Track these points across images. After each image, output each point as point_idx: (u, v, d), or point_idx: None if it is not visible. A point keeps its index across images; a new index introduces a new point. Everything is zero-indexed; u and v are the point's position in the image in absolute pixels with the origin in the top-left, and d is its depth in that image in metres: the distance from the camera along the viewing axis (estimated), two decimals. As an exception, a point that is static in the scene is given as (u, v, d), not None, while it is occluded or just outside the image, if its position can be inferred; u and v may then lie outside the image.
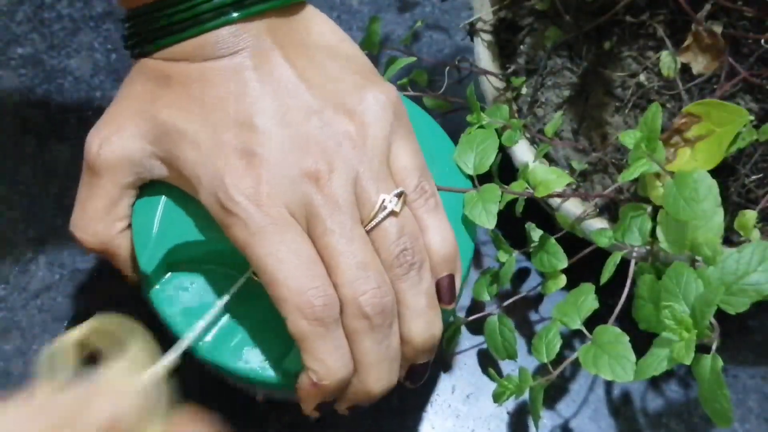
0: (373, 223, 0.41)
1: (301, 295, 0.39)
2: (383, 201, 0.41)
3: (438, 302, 0.43)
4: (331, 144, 0.41)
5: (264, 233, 0.39)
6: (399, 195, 0.41)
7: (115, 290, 0.53)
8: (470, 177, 0.47)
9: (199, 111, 0.41)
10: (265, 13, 0.42)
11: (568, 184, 0.47)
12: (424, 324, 0.42)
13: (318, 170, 0.40)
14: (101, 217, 0.43)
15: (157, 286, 0.43)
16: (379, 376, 0.41)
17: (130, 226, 0.44)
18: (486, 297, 0.49)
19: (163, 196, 0.43)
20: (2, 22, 0.61)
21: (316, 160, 0.40)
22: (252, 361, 0.42)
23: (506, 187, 0.47)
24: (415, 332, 0.42)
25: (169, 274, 0.44)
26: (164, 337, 0.43)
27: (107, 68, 0.60)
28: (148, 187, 0.43)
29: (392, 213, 0.41)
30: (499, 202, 0.46)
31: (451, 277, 0.43)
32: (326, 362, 0.39)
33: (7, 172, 0.56)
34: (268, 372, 0.42)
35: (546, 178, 0.46)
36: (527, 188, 0.47)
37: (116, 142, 0.42)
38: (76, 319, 0.52)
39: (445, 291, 0.43)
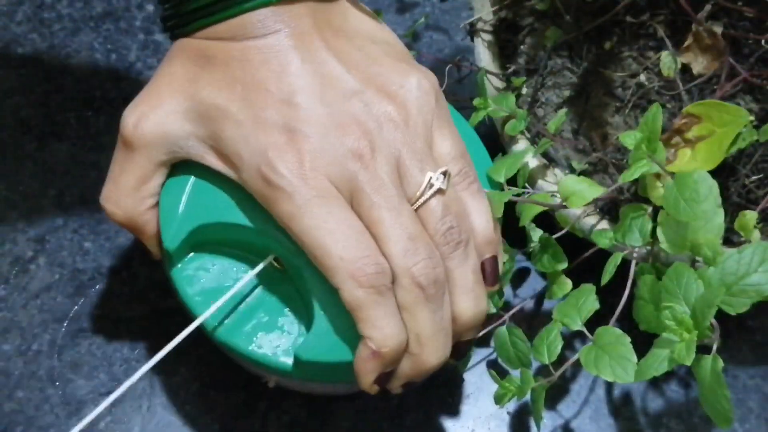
0: (421, 201, 0.41)
1: (354, 263, 0.39)
2: (429, 179, 0.41)
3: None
4: (372, 124, 0.41)
5: (310, 205, 0.39)
6: (444, 173, 0.42)
7: (115, 290, 0.53)
8: (500, 183, 0.48)
9: (241, 89, 0.41)
10: None
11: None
12: (472, 300, 0.42)
13: (360, 149, 0.40)
14: (131, 193, 0.43)
15: (179, 265, 0.43)
16: (435, 348, 0.41)
17: (159, 203, 0.44)
18: (492, 309, 0.49)
19: (193, 177, 0.44)
20: (2, 22, 0.61)
21: (358, 138, 0.40)
22: (265, 346, 0.43)
23: (512, 189, 0.47)
24: (463, 308, 0.42)
25: (192, 254, 0.44)
26: (177, 326, 0.44)
27: (107, 68, 0.60)
28: (178, 167, 0.44)
29: (439, 191, 0.41)
30: (522, 214, 0.46)
31: (495, 259, 0.44)
32: (384, 329, 0.39)
33: (7, 172, 0.56)
34: (280, 358, 0.42)
35: (577, 189, 0.46)
36: (555, 196, 0.47)
37: (153, 118, 0.42)
38: (76, 319, 0.52)
39: (489, 272, 0.43)
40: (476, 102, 0.51)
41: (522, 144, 0.51)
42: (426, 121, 0.43)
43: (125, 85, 0.60)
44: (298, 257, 0.41)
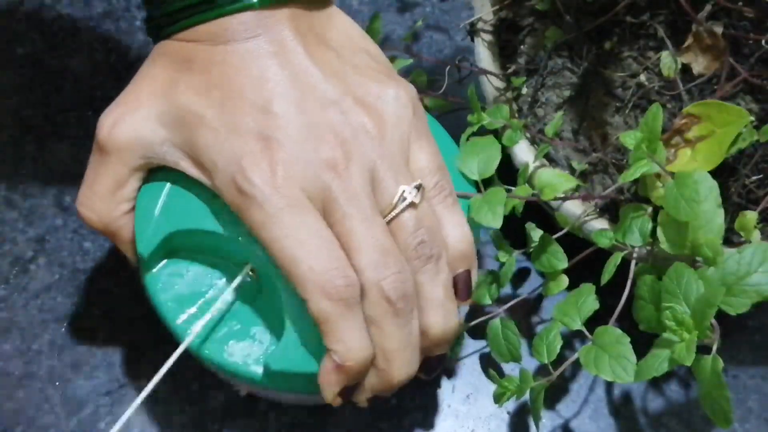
0: (393, 214, 0.41)
1: (323, 275, 0.39)
2: (402, 192, 0.41)
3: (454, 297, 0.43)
4: (348, 134, 0.41)
5: (281, 215, 0.39)
6: (418, 187, 0.41)
7: (115, 290, 0.53)
8: (475, 182, 0.47)
9: (219, 95, 0.41)
10: (287, 3, 0.42)
11: (576, 187, 0.47)
12: (441, 315, 0.42)
13: (334, 159, 0.40)
14: (107, 198, 0.43)
15: (153, 271, 0.43)
16: (402, 363, 0.41)
17: (134, 208, 0.44)
18: (487, 301, 0.49)
19: (169, 183, 0.43)
20: (2, 22, 0.61)
21: (333, 148, 0.40)
22: (235, 355, 0.43)
23: (511, 188, 0.47)
24: (432, 323, 0.42)
25: (166, 260, 0.44)
26: (159, 325, 0.44)
27: (107, 68, 0.60)
28: (155, 172, 0.44)
29: (411, 205, 0.41)
30: (504, 206, 0.46)
31: (468, 273, 0.43)
32: (349, 343, 0.39)
33: (7, 172, 0.56)
34: (251, 367, 0.42)
35: (551, 181, 0.46)
36: (533, 192, 0.47)
37: (129, 123, 0.42)
38: (76, 319, 0.52)
39: (461, 286, 0.43)
40: (470, 118, 0.51)
41: (522, 145, 0.51)
42: (402, 133, 0.43)
43: (125, 85, 0.60)
44: (271, 266, 0.41)
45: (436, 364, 0.44)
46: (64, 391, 0.50)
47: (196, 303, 0.43)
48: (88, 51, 0.61)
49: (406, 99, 0.43)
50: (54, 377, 0.50)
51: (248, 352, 0.43)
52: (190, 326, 0.43)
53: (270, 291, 0.43)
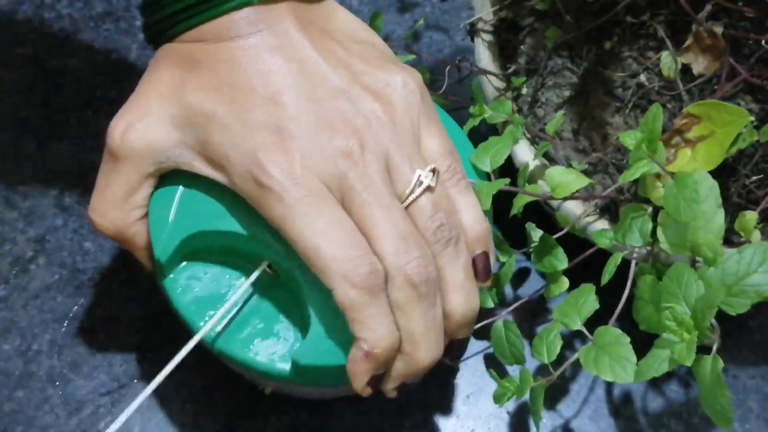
0: (411, 198, 0.41)
1: (347, 263, 0.39)
2: (419, 176, 0.41)
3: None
4: (360, 122, 0.41)
5: (302, 206, 0.39)
6: (433, 171, 0.42)
7: (115, 290, 0.53)
8: (487, 173, 0.48)
9: (228, 91, 0.41)
10: None
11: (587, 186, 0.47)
12: (464, 297, 0.42)
13: (349, 147, 0.40)
14: (119, 204, 0.43)
15: (171, 275, 0.43)
16: (428, 346, 0.41)
17: (147, 214, 0.44)
18: (490, 304, 0.49)
19: (181, 186, 0.43)
20: (2, 22, 0.61)
21: (347, 136, 0.40)
22: (261, 353, 0.43)
23: (522, 189, 0.47)
24: (455, 305, 0.42)
25: (184, 263, 0.44)
26: (177, 326, 0.44)
27: (107, 68, 0.60)
28: (166, 177, 0.43)
29: (428, 188, 0.41)
30: (514, 204, 0.46)
31: (486, 254, 0.44)
32: (377, 330, 0.39)
33: (7, 172, 0.56)
34: (277, 364, 0.42)
35: (563, 180, 0.46)
36: (545, 191, 0.47)
37: (140, 129, 0.42)
38: (76, 319, 0.52)
39: (480, 268, 0.43)
40: (472, 110, 0.51)
41: (522, 145, 0.51)
42: (413, 119, 0.43)
43: (125, 85, 0.60)
44: (291, 262, 0.41)
45: (460, 347, 0.44)
46: (64, 391, 0.50)
47: (216, 304, 0.43)
48: (88, 51, 0.61)
49: (413, 85, 0.43)
50: (54, 377, 0.50)
51: (274, 349, 0.43)
52: (214, 327, 0.43)
53: (290, 287, 0.43)
